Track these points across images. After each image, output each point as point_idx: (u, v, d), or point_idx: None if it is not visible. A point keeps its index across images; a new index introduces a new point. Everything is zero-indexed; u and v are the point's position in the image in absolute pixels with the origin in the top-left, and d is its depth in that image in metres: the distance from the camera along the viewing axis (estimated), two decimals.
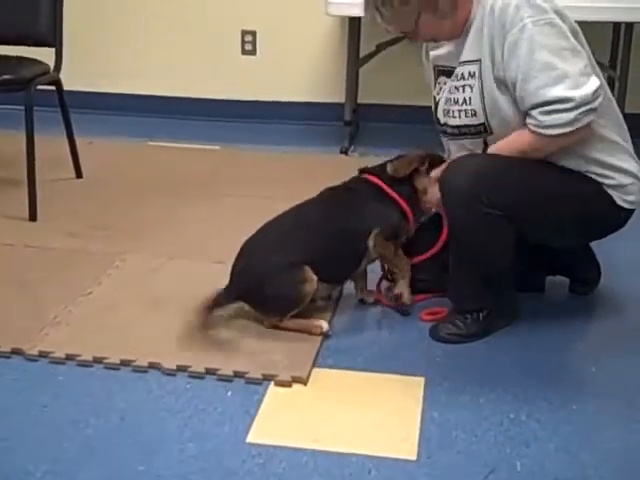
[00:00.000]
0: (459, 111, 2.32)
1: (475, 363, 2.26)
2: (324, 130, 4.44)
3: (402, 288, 2.44)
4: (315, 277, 2.31)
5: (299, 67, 4.64)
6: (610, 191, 2.31)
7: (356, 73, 4.33)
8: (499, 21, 2.19)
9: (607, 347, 2.38)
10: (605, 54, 4.29)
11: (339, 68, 4.40)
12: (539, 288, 2.64)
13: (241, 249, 2.40)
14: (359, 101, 4.45)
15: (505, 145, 2.25)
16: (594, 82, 2.17)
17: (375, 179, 2.45)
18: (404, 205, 2.41)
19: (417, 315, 2.46)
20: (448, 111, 2.36)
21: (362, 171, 2.51)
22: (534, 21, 2.15)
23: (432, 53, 2.44)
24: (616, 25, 4.23)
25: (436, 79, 2.45)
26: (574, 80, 2.14)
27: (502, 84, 2.23)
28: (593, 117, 2.18)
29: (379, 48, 4.26)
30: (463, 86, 2.30)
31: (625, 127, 2.38)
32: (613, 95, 4.51)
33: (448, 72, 2.37)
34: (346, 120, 4.29)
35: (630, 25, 4.00)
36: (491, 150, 2.28)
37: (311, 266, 2.31)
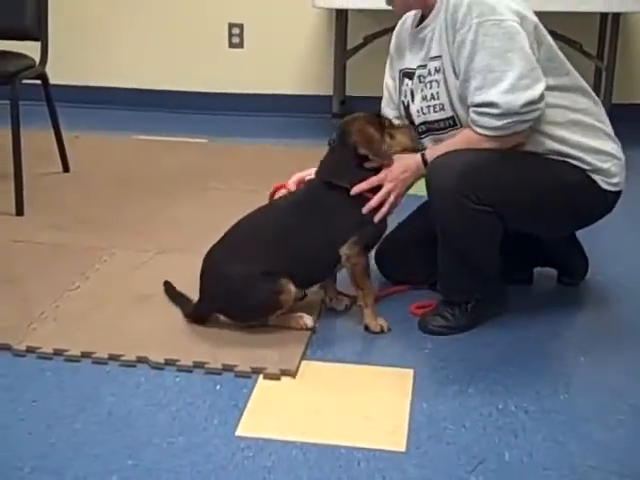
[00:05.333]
0: (428, 107, 2.33)
1: (464, 354, 2.26)
2: (312, 122, 4.44)
3: (367, 319, 2.33)
4: (292, 288, 2.23)
5: (287, 60, 4.64)
6: (594, 176, 2.31)
7: (343, 65, 4.33)
8: (452, 19, 2.21)
9: (596, 338, 2.38)
10: (592, 44, 4.30)
11: (326, 60, 4.40)
12: (527, 280, 2.65)
13: (207, 258, 2.31)
14: (347, 93, 4.46)
15: (451, 143, 2.26)
16: (535, 90, 2.15)
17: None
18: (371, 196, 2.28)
19: (407, 308, 2.46)
20: (422, 109, 2.35)
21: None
22: (480, 22, 2.16)
23: (403, 59, 2.45)
24: (603, 15, 4.24)
25: (401, 84, 2.46)
26: (512, 84, 2.14)
27: None
28: (525, 127, 2.19)
29: (366, 40, 4.26)
30: (431, 82, 2.31)
31: (602, 108, 2.38)
32: (600, 85, 4.52)
33: (410, 74, 2.40)
34: (334, 112, 4.30)
35: (617, 15, 4.01)
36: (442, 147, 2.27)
37: (284, 274, 2.22)
